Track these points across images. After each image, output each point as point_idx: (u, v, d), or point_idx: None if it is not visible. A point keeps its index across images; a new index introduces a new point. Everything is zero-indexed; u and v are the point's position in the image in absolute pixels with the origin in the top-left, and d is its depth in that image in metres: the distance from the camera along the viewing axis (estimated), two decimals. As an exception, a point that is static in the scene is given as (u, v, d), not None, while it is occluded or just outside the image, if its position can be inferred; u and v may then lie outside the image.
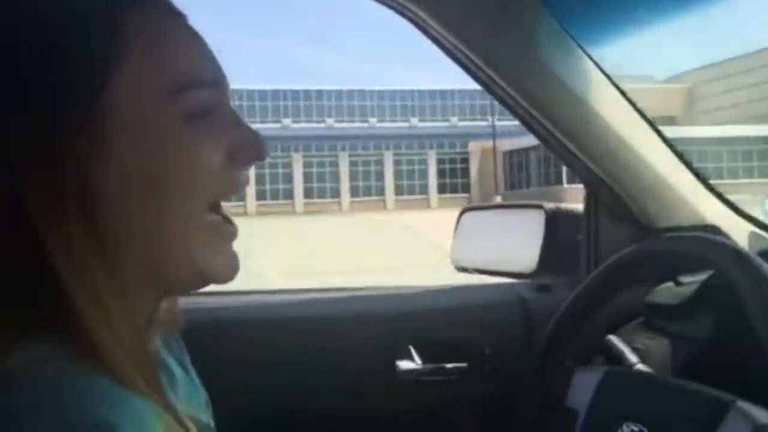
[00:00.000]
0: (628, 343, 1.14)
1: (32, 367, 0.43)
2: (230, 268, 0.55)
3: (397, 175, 40.09)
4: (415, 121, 42.09)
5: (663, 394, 0.91)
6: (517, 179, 35.84)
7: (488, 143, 35.26)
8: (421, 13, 1.11)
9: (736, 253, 0.87)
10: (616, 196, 1.25)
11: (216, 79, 0.55)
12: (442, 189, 40.02)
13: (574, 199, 1.59)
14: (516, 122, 1.31)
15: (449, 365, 1.20)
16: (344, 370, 1.15)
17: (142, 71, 0.50)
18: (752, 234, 1.27)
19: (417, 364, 1.17)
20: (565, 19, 1.17)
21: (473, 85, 1.24)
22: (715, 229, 1.22)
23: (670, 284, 1.26)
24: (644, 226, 1.25)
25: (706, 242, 0.93)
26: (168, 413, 0.47)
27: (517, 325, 1.22)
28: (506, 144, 34.65)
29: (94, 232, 0.47)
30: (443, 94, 43.37)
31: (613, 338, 1.08)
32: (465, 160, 40.03)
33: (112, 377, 0.44)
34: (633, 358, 1.05)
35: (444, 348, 1.20)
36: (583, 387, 0.96)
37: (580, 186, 1.34)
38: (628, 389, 0.94)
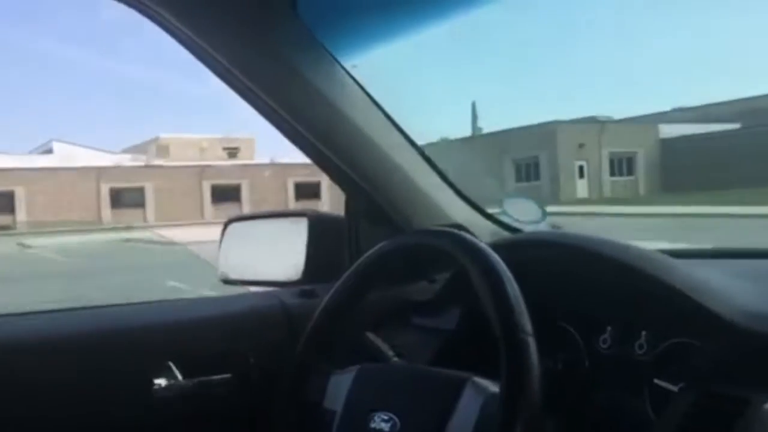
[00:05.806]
0: (389, 339, 1.19)
1: None
2: None
3: None
4: None
5: (411, 382, 0.96)
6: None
7: None
8: (172, 18, 1.08)
9: (469, 244, 0.94)
10: (372, 200, 1.30)
11: None
12: None
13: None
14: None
15: (213, 377, 1.16)
16: (97, 393, 1.06)
17: None
18: (493, 231, 1.40)
19: (177, 380, 1.12)
20: (318, 29, 1.21)
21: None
22: (461, 228, 1.32)
23: (425, 282, 1.34)
24: (400, 227, 1.31)
25: (446, 235, 1.00)
26: None
27: (281, 332, 1.22)
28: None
29: None
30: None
31: (370, 335, 1.11)
32: None
33: None
34: (390, 352, 1.09)
35: (206, 360, 1.15)
36: (338, 388, 0.98)
37: None
38: (381, 382, 0.98)
